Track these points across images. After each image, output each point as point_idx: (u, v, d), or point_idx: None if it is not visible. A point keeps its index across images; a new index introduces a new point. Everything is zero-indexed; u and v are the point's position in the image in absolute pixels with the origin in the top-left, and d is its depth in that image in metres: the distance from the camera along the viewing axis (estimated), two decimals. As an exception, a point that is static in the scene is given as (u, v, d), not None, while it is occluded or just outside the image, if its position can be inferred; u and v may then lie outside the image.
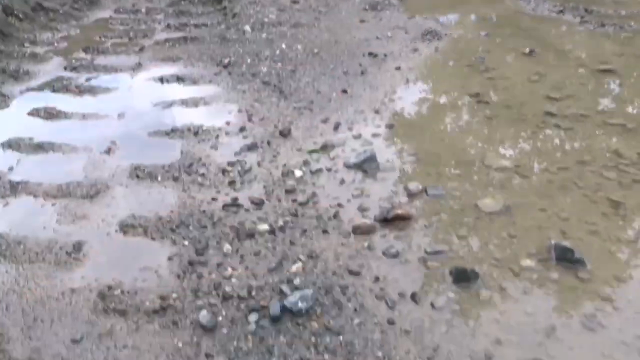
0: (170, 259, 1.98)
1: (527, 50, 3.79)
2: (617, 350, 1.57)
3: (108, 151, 2.69)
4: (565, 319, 1.68)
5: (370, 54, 3.82)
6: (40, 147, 2.74)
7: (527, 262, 1.92)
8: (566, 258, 1.89)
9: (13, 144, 2.77)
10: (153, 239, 2.10)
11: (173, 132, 2.87)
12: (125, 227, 2.15)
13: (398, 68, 3.61)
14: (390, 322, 1.68)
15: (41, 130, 2.91)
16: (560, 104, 3.08)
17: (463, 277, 1.84)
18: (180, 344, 1.62)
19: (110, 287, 1.84)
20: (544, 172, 2.46)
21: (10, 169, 2.55)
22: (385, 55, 3.81)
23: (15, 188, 2.39)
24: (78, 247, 2.04)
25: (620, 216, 2.16)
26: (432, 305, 1.75)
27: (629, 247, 2.00)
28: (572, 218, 2.15)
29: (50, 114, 3.10)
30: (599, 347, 1.59)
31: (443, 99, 3.27)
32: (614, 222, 2.13)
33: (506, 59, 3.74)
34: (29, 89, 3.46)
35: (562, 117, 2.94)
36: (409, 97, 3.26)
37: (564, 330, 1.65)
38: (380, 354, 1.57)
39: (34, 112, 3.12)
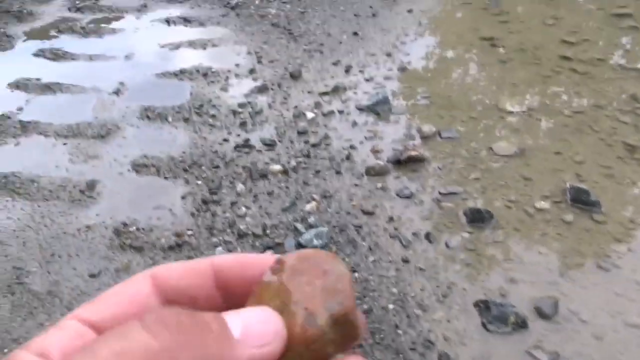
0: (183, 197, 1.98)
1: (544, -7, 3.68)
2: (631, 289, 1.59)
3: (117, 92, 2.65)
4: (579, 259, 1.69)
5: (381, -4, 3.72)
6: (48, 88, 2.70)
7: (542, 204, 1.92)
8: (581, 200, 1.89)
9: (21, 85, 2.73)
10: (166, 178, 2.09)
11: (182, 74, 2.83)
12: (138, 167, 2.14)
13: (410, 11, 3.51)
14: (405, 261, 1.69)
15: (48, 71, 2.87)
16: (576, 48, 3.01)
17: (477, 217, 1.84)
18: (197, 279, 1.64)
19: (125, 225, 1.85)
20: (559, 115, 2.43)
21: (20, 109, 2.53)
22: (397, -3, 3.70)
23: (26, 128, 2.37)
24: (91, 185, 2.04)
25: (636, 160, 2.14)
26: (447, 244, 1.76)
27: (644, 190, 1.99)
28: (587, 161, 2.13)
29: (56, 55, 3.04)
30: (613, 286, 1.60)
31: (456, 43, 3.19)
32: (629, 166, 2.11)
33: (521, 2, 3.63)
34: (33, 30, 3.39)
35: (578, 61, 2.87)
36: (422, 40, 3.19)
37: (577, 270, 1.66)
38: (395, 290, 1.59)
39: (40, 53, 3.06)
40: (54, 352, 0.26)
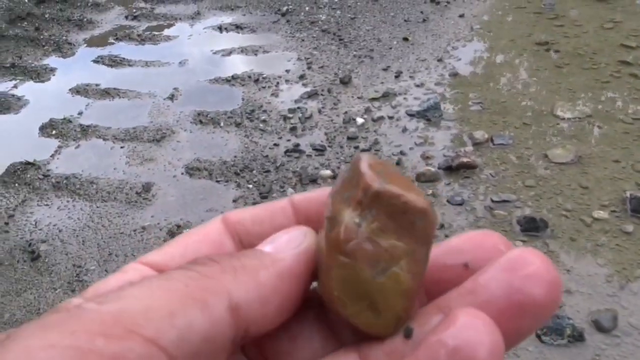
0: (235, 201, 2.02)
1: (602, -4, 3.57)
2: (697, 304, 1.51)
3: (171, 97, 2.73)
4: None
5: (432, 0, 3.68)
6: (106, 93, 2.81)
7: (600, 214, 1.85)
8: (642, 210, 1.82)
9: (81, 90, 2.85)
10: (218, 181, 2.14)
11: (234, 80, 2.88)
12: (191, 170, 2.20)
13: (462, 15, 3.47)
14: (456, 268, 1.66)
15: (107, 77, 2.98)
16: (637, 52, 2.90)
17: (532, 226, 1.79)
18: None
19: (179, 227, 1.90)
20: (618, 122, 2.35)
21: (80, 113, 2.63)
22: (447, 2, 3.66)
23: (86, 131, 2.47)
24: (147, 187, 2.10)
25: (702, 169, 2.04)
26: (499, 253, 1.72)
27: None
28: (648, 170, 2.05)
29: (114, 62, 3.16)
30: (677, 300, 1.53)
31: (509, 47, 3.13)
32: (695, 175, 2.01)
33: (577, 6, 3.53)
34: (93, 38, 3.53)
35: (639, 66, 2.77)
36: (474, 46, 3.14)
37: (638, 282, 1.60)
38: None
39: (99, 60, 3.19)
40: None
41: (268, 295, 0.23)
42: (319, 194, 0.28)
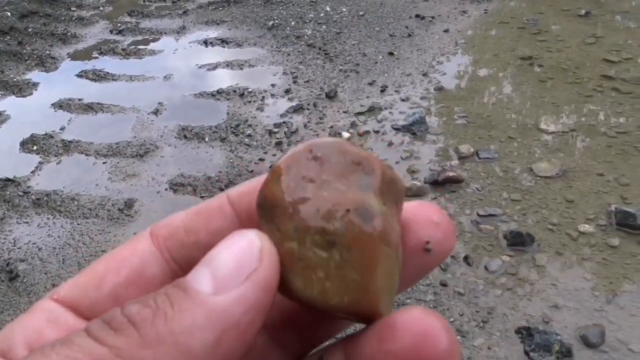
0: (219, 217, 1.99)
1: (583, 11, 3.61)
2: (683, 318, 1.51)
3: (156, 112, 2.70)
4: (627, 286, 1.62)
5: (417, 16, 3.71)
6: (90, 108, 2.78)
7: (586, 227, 1.85)
8: (628, 224, 1.82)
9: (64, 105, 2.81)
10: (202, 197, 2.11)
11: (219, 94, 2.87)
12: (175, 186, 2.17)
13: (446, 30, 3.49)
14: (443, 284, 1.65)
15: (90, 92, 2.95)
16: (619, 67, 2.93)
17: (518, 240, 1.78)
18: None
19: (162, 243, 1.86)
20: (602, 136, 2.36)
21: (62, 128, 2.60)
22: (432, 17, 3.69)
23: (67, 147, 2.43)
24: (129, 204, 2.07)
25: (685, 182, 2.06)
26: (486, 268, 1.71)
27: (694, 214, 1.90)
28: (633, 184, 2.06)
29: (98, 76, 3.13)
30: (663, 314, 1.52)
31: (493, 62, 3.15)
32: (679, 189, 2.03)
33: (560, 21, 3.57)
34: (77, 52, 3.50)
35: (621, 80, 2.80)
36: (458, 60, 3.16)
37: (625, 296, 1.59)
38: (433, 314, 1.54)
39: (83, 74, 3.16)
40: (19, 346, 0.21)
41: None
42: (256, 186, 0.25)
